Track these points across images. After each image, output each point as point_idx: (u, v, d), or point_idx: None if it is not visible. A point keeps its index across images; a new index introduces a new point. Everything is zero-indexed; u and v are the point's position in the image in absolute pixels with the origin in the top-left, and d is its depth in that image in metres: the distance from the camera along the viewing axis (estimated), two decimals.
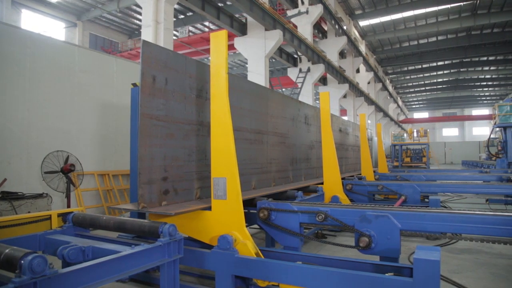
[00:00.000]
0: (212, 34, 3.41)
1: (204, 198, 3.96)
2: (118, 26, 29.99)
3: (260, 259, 2.93)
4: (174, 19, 12.88)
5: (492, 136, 18.54)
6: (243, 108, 4.87)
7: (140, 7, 12.80)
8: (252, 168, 5.08)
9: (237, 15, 17.48)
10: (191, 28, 26.60)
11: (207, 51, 24.74)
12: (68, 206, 6.21)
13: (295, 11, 20.05)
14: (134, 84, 4.21)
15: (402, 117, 55.98)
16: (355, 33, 30.50)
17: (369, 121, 30.03)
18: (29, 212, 5.16)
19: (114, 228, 3.08)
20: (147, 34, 12.02)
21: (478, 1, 25.30)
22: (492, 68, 40.61)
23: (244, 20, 16.82)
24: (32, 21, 23.93)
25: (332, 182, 6.20)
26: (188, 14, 25.37)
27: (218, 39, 3.37)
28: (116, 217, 3.12)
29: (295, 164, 6.72)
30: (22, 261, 1.78)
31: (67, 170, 6.02)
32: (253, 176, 5.09)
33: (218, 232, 3.15)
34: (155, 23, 11.91)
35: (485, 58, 37.31)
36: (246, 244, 3.01)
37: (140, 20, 24.68)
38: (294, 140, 6.69)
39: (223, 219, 3.18)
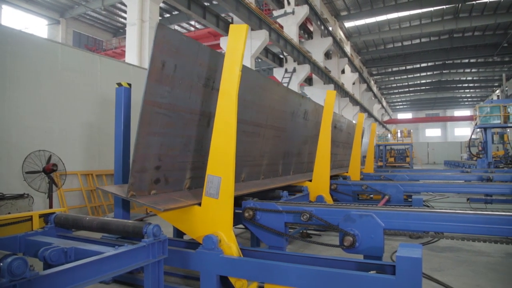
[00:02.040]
0: (232, 26, 3.19)
1: (193, 189, 3.87)
2: (102, 24, 29.60)
3: (246, 258, 2.93)
4: (160, 18, 12.79)
5: (473, 136, 18.97)
6: (246, 99, 4.69)
7: (125, 5, 12.67)
8: (244, 160, 4.96)
9: (223, 15, 17.45)
10: (177, 27, 26.44)
11: None
12: (50, 207, 6.09)
13: (281, 11, 20.14)
14: (119, 84, 4.16)
15: (386, 118, 56.80)
16: (340, 34, 30.80)
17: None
18: (9, 213, 5.04)
19: (97, 229, 3.03)
20: (132, 33, 11.91)
21: (460, 5, 25.87)
22: (473, 70, 41.62)
23: (230, 20, 16.80)
24: (13, 18, 23.43)
25: (320, 181, 6.21)
26: (174, 13, 25.21)
27: (237, 33, 3.16)
28: (100, 218, 3.08)
29: (286, 158, 6.64)
30: (1, 264, 1.74)
31: (49, 170, 5.91)
32: (244, 169, 5.00)
33: (205, 231, 3.12)
34: (140, 22, 11.81)
35: (466, 60, 38.22)
36: (231, 247, 2.99)
37: (125, 18, 24.42)
38: (290, 134, 6.57)
39: (211, 218, 3.14)
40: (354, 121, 12.06)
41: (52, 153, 6.08)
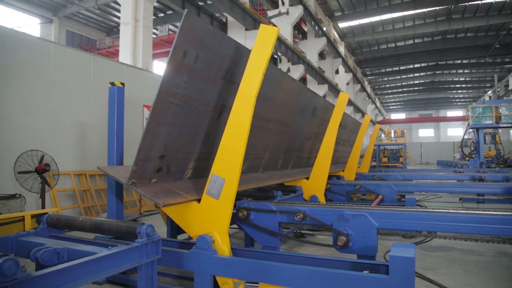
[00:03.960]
0: (263, 26, 3.00)
1: (194, 179, 3.81)
2: (96, 23, 29.41)
3: (240, 258, 2.92)
4: (154, 17, 12.73)
5: (465, 137, 19.12)
6: (260, 94, 4.57)
7: (119, 4, 12.60)
8: (248, 153, 4.77)
9: (217, 15, 17.43)
10: (170, 27, 26.34)
11: None
12: (43, 207, 6.04)
13: (276, 11, 20.15)
14: (112, 83, 4.14)
15: (380, 118, 57.05)
16: (334, 34, 30.89)
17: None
18: (1, 213, 4.99)
19: (90, 229, 3.01)
20: (126, 32, 11.84)
21: (453, 6, 26.09)
22: (465, 71, 41.98)
23: (224, 20, 16.77)
24: (5, 16, 23.18)
25: (317, 180, 6.18)
26: (168, 12, 25.14)
27: (267, 34, 2.96)
28: (93, 218, 3.06)
29: (288, 153, 6.56)
30: None
31: (42, 170, 5.86)
32: (245, 161, 4.89)
33: (200, 230, 3.11)
34: (134, 21, 11.75)
35: (459, 61, 38.55)
36: (224, 250, 2.98)
37: (118, 17, 24.28)
38: (295, 130, 6.44)
39: (209, 217, 3.11)
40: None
41: (44, 153, 6.03)
